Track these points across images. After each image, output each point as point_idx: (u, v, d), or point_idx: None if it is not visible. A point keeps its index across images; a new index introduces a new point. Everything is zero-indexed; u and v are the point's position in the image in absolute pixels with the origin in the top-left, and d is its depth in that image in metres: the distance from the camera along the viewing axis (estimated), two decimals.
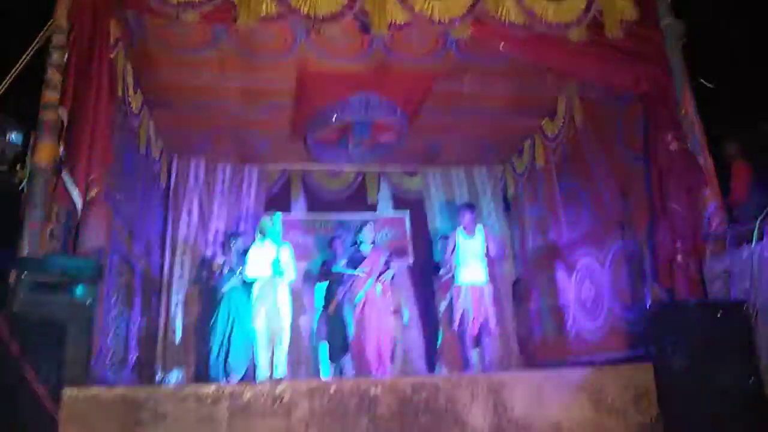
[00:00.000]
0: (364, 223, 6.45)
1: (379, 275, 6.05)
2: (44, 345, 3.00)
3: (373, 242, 6.33)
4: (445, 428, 3.39)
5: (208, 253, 7.16)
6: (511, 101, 6.48)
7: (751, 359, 3.50)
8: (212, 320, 6.17)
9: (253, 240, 5.97)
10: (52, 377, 2.96)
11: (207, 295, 6.91)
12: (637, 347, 4.81)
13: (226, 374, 5.85)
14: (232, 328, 6.00)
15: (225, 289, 6.14)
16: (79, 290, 3.41)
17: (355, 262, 6.15)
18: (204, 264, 7.11)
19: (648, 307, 4.59)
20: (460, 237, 5.83)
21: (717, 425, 3.38)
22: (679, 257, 4.38)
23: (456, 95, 6.29)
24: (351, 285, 6.13)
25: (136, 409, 3.17)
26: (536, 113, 6.88)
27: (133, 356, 5.73)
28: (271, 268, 5.56)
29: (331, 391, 3.39)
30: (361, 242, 6.24)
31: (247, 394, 3.30)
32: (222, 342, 5.98)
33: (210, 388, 3.30)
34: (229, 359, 5.90)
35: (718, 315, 3.58)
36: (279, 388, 3.35)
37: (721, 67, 5.40)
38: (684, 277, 4.32)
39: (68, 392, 3.08)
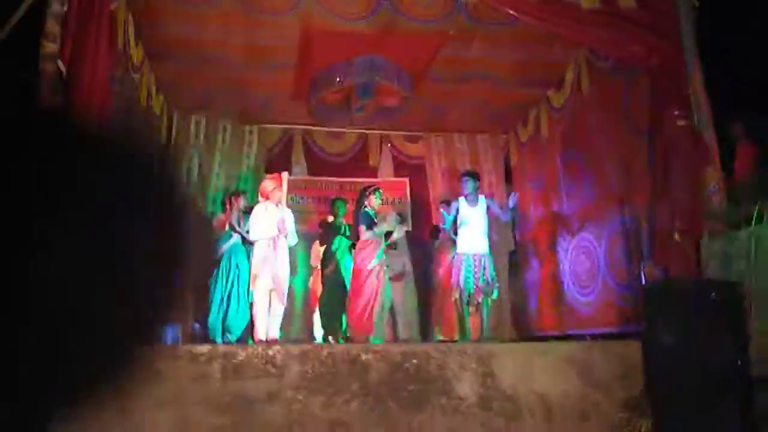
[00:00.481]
0: (371, 187, 6.12)
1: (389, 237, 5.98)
2: None
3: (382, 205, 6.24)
4: (434, 396, 3.45)
5: (208, 210, 7.16)
6: (519, 69, 6.38)
7: (741, 341, 3.52)
8: (211, 278, 6.17)
9: (254, 200, 5.95)
10: None
11: (205, 252, 6.94)
12: (629, 323, 4.85)
13: (224, 333, 5.91)
14: (231, 287, 6.02)
15: (225, 247, 6.13)
16: None
17: (371, 225, 5.85)
18: (203, 221, 7.12)
19: (642, 284, 4.61)
20: (462, 205, 5.78)
21: (701, 404, 3.43)
22: (676, 235, 4.38)
23: (462, 61, 6.20)
24: (363, 248, 5.97)
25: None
26: (543, 83, 6.77)
27: None
28: (274, 230, 5.56)
29: (323, 355, 3.43)
30: (368, 206, 5.96)
31: (241, 355, 3.35)
32: (222, 301, 6.00)
33: (204, 348, 3.36)
34: (228, 318, 5.95)
35: (712, 296, 3.58)
36: (272, 351, 3.39)
37: (732, 43, 5.28)
38: (680, 255, 4.33)
39: None
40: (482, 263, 5.66)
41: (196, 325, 6.82)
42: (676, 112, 4.57)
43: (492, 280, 5.67)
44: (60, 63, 3.96)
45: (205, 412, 3.19)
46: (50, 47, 3.95)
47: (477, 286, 5.60)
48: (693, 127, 4.53)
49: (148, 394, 3.16)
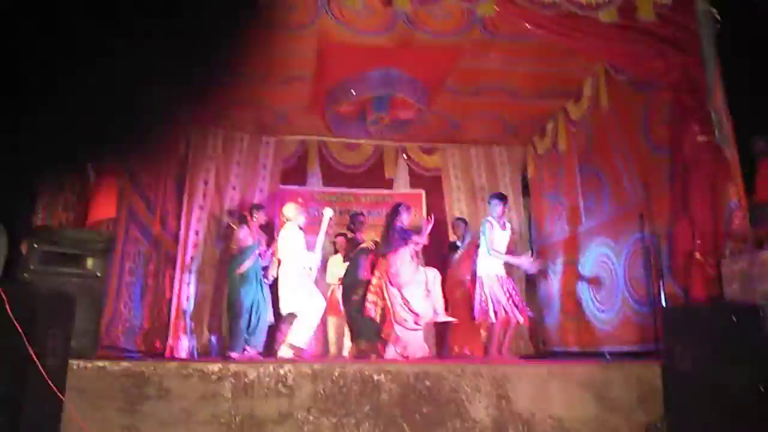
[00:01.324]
0: (401, 205, 6.02)
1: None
2: (53, 317, 3.03)
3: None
4: (447, 418, 3.39)
5: (225, 223, 7.19)
6: (536, 82, 6.33)
7: (763, 366, 3.41)
8: (238, 292, 6.11)
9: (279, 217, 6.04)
10: (59, 349, 3.00)
11: (224, 265, 6.96)
12: (648, 343, 4.75)
13: (245, 347, 5.93)
14: (253, 301, 6.02)
15: (249, 262, 6.10)
16: (90, 263, 3.43)
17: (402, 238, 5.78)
18: (222, 234, 7.16)
19: (662, 303, 4.50)
20: (490, 227, 5.65)
21: (723, 429, 3.33)
22: (697, 255, 4.28)
23: (479, 73, 6.16)
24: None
25: (141, 384, 3.21)
26: (561, 95, 6.70)
27: (146, 324, 5.83)
28: (301, 255, 5.65)
29: (335, 374, 3.40)
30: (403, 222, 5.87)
31: (252, 374, 3.32)
32: (251, 314, 5.99)
33: (215, 366, 3.33)
34: (251, 333, 5.97)
35: (733, 319, 3.49)
36: (283, 370, 3.36)
37: (755, 58, 5.16)
38: (701, 275, 4.22)
39: (74, 364, 3.12)
40: (505, 286, 5.55)
41: (213, 338, 6.84)
42: (696, 128, 4.48)
43: (520, 302, 5.59)
44: None
45: None
46: None
47: (497, 308, 5.48)
48: (714, 144, 4.43)
49: (156, 413, 3.15)
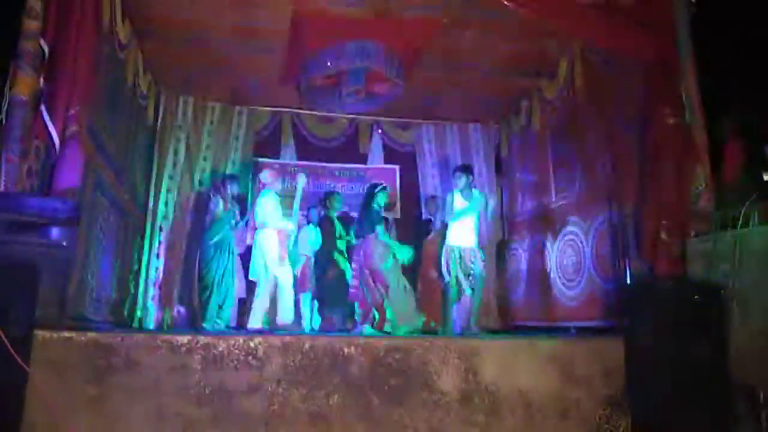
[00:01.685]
0: (379, 185, 6.18)
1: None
2: (16, 286, 2.97)
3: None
4: (415, 390, 3.44)
5: (194, 193, 7.09)
6: (512, 60, 6.32)
7: (722, 343, 3.54)
8: (208, 263, 6.07)
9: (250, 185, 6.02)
10: (23, 319, 2.94)
11: (194, 236, 6.90)
12: (613, 318, 4.87)
13: (218, 319, 5.91)
14: (224, 272, 5.99)
15: (222, 233, 6.05)
16: (55, 232, 3.35)
17: (378, 223, 5.94)
18: (193, 204, 7.06)
19: (628, 280, 4.61)
20: (457, 199, 5.80)
21: (682, 404, 3.45)
22: (663, 235, 4.37)
23: (455, 50, 6.12)
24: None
25: (108, 355, 3.18)
26: (536, 74, 6.71)
27: (114, 295, 5.75)
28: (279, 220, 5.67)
29: (306, 347, 3.41)
30: (379, 204, 6.03)
31: (221, 346, 3.31)
32: (219, 286, 5.96)
33: (184, 338, 3.31)
34: (224, 305, 5.97)
35: (695, 296, 3.60)
36: (253, 342, 3.36)
37: (728, 40, 5.24)
38: (666, 254, 4.32)
39: (39, 335, 3.07)
40: (471, 257, 5.69)
41: (181, 310, 6.79)
42: (666, 110, 4.54)
43: (478, 274, 5.70)
44: (42, 42, 3.84)
45: (183, 404, 3.16)
46: (31, 24, 3.83)
47: (464, 279, 5.65)
48: (683, 125, 4.50)
49: (124, 384, 3.13)
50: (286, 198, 6.34)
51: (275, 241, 5.68)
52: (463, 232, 5.75)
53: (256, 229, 5.93)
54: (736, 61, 5.29)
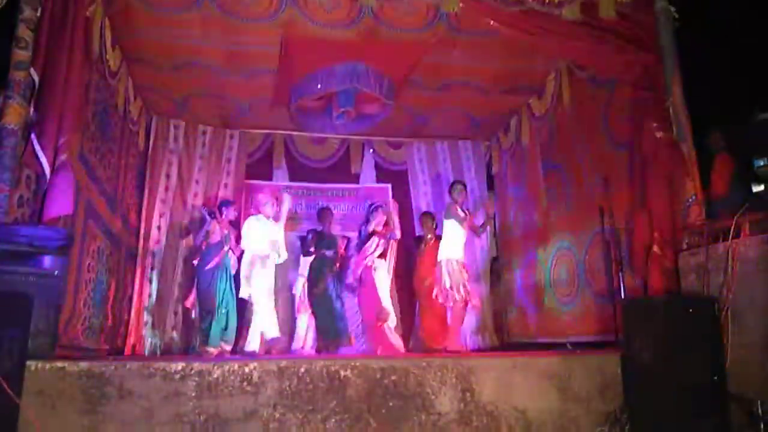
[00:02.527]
0: (374, 209, 6.56)
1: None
2: (9, 317, 2.93)
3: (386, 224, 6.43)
4: (412, 412, 3.41)
5: (187, 217, 7.08)
6: (500, 77, 6.39)
7: (718, 356, 3.54)
8: (206, 289, 6.12)
9: (244, 211, 6.10)
10: (16, 351, 2.91)
11: (188, 260, 6.89)
12: (609, 334, 4.86)
13: (220, 342, 5.92)
14: (224, 296, 6.05)
15: (215, 262, 6.12)
16: (47, 261, 3.33)
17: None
18: (186, 229, 7.06)
19: (622, 295, 4.61)
20: (460, 212, 5.91)
21: (680, 418, 3.44)
22: (655, 248, 4.39)
23: (444, 69, 6.19)
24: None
25: (101, 384, 3.13)
26: (524, 91, 6.78)
27: (107, 322, 5.70)
28: (269, 247, 5.73)
29: (301, 371, 3.38)
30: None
31: (216, 373, 3.28)
32: (219, 310, 6.01)
33: (178, 365, 3.27)
34: (223, 328, 5.99)
35: (689, 311, 3.60)
36: (248, 367, 3.33)
37: (713, 56, 5.32)
38: (659, 267, 4.34)
39: (32, 365, 3.03)
40: (459, 270, 5.74)
41: (175, 335, 6.75)
42: (654, 124, 4.59)
43: (465, 287, 5.74)
44: (32, 71, 3.85)
45: None
46: (21, 54, 3.84)
47: (452, 291, 5.70)
48: (671, 139, 4.54)
49: (117, 414, 3.09)
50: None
51: (248, 262, 5.88)
52: (453, 246, 5.82)
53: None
54: (722, 74, 5.36)
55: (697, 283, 3.97)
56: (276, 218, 6.11)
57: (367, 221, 6.45)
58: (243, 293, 6.00)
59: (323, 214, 6.86)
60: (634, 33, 4.83)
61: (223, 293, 6.07)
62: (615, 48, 4.86)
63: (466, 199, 6.11)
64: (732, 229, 3.77)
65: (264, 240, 5.99)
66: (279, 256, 6.08)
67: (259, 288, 5.90)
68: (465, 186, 6.35)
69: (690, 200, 4.36)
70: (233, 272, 6.30)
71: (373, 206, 6.50)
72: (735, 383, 3.49)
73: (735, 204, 3.97)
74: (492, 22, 4.92)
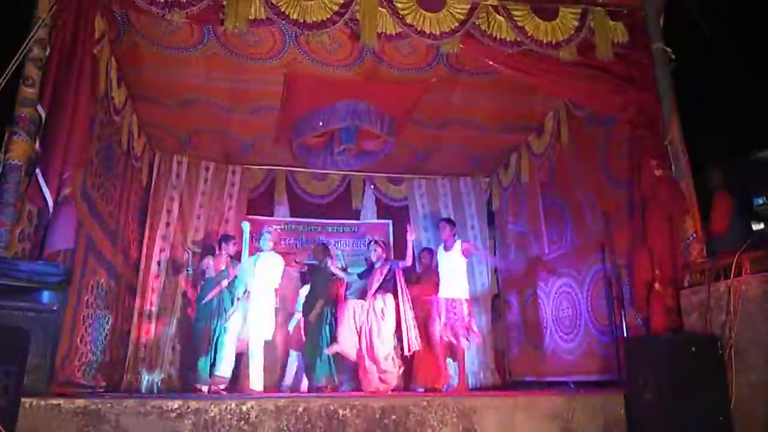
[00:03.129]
0: (371, 241, 6.67)
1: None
2: (6, 353, 2.90)
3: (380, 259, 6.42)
4: None
5: (188, 253, 7.07)
6: (499, 116, 6.48)
7: (722, 396, 3.49)
8: (199, 324, 6.10)
9: (241, 246, 6.07)
10: (11, 388, 2.87)
11: (186, 296, 6.87)
12: (611, 372, 4.81)
13: (212, 379, 5.83)
14: (220, 332, 5.99)
15: (214, 293, 6.11)
16: (46, 296, 3.32)
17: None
18: (186, 265, 7.04)
19: (624, 333, 4.58)
20: (440, 251, 5.83)
21: None
22: (656, 285, 4.36)
23: (445, 107, 6.27)
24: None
25: (97, 422, 3.09)
26: (524, 129, 6.87)
27: (104, 357, 5.64)
28: (266, 281, 5.70)
29: (299, 410, 3.33)
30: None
31: (213, 411, 3.24)
32: (210, 347, 5.95)
33: (175, 403, 3.23)
34: (218, 365, 5.90)
35: (693, 350, 3.57)
36: (246, 406, 3.28)
37: (710, 94, 5.40)
38: (660, 305, 4.31)
39: (27, 402, 2.99)
40: (457, 308, 5.64)
41: (172, 372, 6.68)
42: (653, 162, 4.62)
43: (465, 325, 5.66)
44: (39, 108, 3.91)
45: None
46: (28, 92, 3.91)
47: (452, 331, 5.60)
48: (670, 177, 4.57)
49: None
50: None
51: (260, 305, 5.88)
52: (449, 284, 5.74)
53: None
54: (720, 112, 5.43)
55: (700, 321, 3.94)
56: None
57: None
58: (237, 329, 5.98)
59: (318, 248, 6.86)
60: (630, 73, 4.91)
61: (215, 329, 6.01)
62: (612, 87, 4.93)
63: (451, 235, 6.05)
64: (733, 268, 3.77)
65: (263, 275, 5.97)
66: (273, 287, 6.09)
67: (255, 326, 5.82)
68: (446, 222, 6.28)
69: (690, 238, 4.36)
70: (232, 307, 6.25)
71: (371, 242, 6.52)
72: (740, 424, 3.44)
73: (735, 241, 3.97)
74: (491, 63, 5.01)
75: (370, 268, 6.41)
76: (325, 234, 7.85)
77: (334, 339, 6.17)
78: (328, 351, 6.07)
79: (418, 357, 6.43)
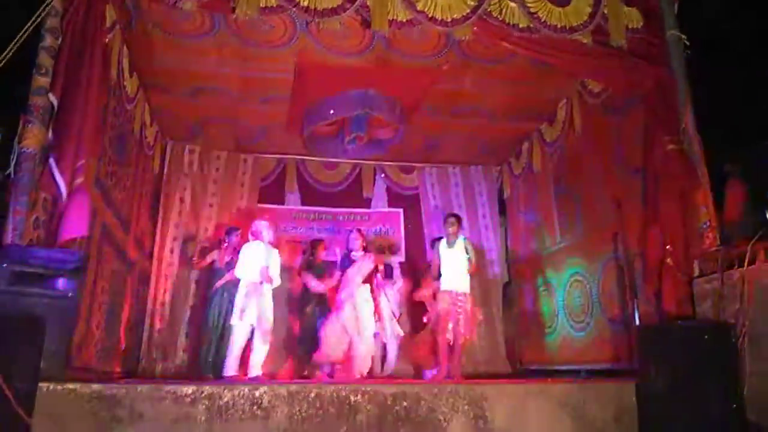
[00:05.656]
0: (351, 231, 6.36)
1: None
2: (22, 338, 2.95)
3: (364, 248, 6.20)
4: None
5: (200, 242, 7.12)
6: (511, 104, 6.43)
7: (735, 384, 3.47)
8: (205, 314, 6.15)
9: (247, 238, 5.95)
10: (29, 372, 2.92)
11: (200, 285, 6.91)
12: (623, 361, 4.80)
13: (215, 370, 5.82)
14: (223, 324, 5.96)
15: (219, 284, 6.10)
16: (61, 283, 3.36)
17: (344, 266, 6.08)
18: (196, 254, 7.08)
19: (636, 321, 4.55)
20: (443, 245, 5.75)
21: None
22: (668, 260, 4.34)
23: (456, 95, 6.24)
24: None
25: (112, 407, 3.13)
26: (536, 117, 6.82)
27: (119, 345, 5.71)
28: (259, 274, 5.51)
29: (311, 396, 3.35)
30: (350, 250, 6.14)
31: (226, 396, 3.27)
32: (212, 338, 5.95)
33: (189, 389, 3.27)
34: (220, 355, 5.89)
35: (705, 337, 3.55)
36: (258, 392, 3.31)
37: (725, 82, 5.33)
38: (674, 294, 4.28)
39: (44, 387, 3.04)
40: (460, 301, 5.57)
41: (185, 358, 6.74)
42: (666, 137, 4.57)
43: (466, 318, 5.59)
44: (51, 96, 3.94)
45: None
46: (41, 81, 3.94)
47: (455, 324, 5.54)
48: (682, 151, 4.51)
49: None
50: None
51: (242, 293, 5.48)
52: (452, 278, 5.65)
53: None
54: (735, 101, 5.36)
55: (713, 309, 3.92)
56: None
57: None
58: (233, 324, 5.56)
59: (314, 244, 6.80)
60: (646, 50, 4.84)
61: (217, 319, 6.00)
62: (629, 65, 4.85)
63: (455, 232, 5.88)
64: (747, 256, 3.74)
65: (256, 268, 5.65)
66: (271, 283, 5.72)
67: (243, 323, 5.52)
68: (451, 217, 5.92)
69: (704, 226, 4.33)
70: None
71: (352, 230, 6.38)
72: (752, 412, 3.42)
73: (748, 230, 3.94)
74: (504, 44, 4.93)
75: (349, 259, 6.22)
76: (336, 223, 7.86)
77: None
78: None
79: (427, 344, 6.41)
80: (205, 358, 5.91)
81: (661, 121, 4.67)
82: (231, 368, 5.38)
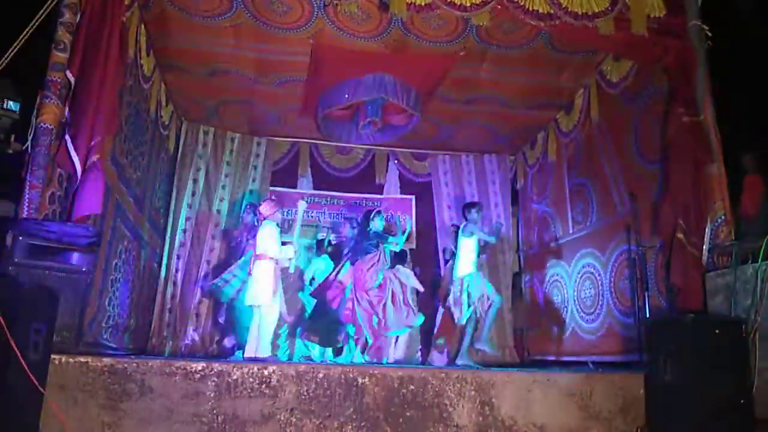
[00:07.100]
0: (374, 212, 6.37)
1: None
2: (36, 311, 2.99)
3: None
4: (430, 423, 3.39)
5: (213, 221, 7.16)
6: (528, 92, 6.38)
7: (745, 379, 3.45)
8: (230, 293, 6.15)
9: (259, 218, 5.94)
10: (42, 344, 2.96)
11: (214, 263, 6.98)
12: (632, 353, 4.77)
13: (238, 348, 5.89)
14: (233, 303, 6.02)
15: (241, 263, 6.06)
16: (76, 258, 3.40)
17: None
18: (214, 233, 7.13)
19: (647, 314, 4.53)
20: (460, 232, 5.83)
21: None
22: (680, 234, 4.31)
23: (472, 82, 6.19)
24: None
25: (123, 380, 3.18)
26: (552, 106, 6.76)
27: (130, 321, 5.78)
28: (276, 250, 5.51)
29: (319, 376, 3.38)
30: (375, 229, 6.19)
31: (236, 374, 3.30)
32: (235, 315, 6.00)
33: (199, 365, 3.31)
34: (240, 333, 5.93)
35: (716, 332, 3.52)
36: (267, 371, 3.35)
37: (745, 76, 5.24)
38: (686, 288, 4.25)
39: (57, 359, 3.09)
40: (465, 285, 5.63)
41: (196, 337, 6.81)
42: (682, 110, 4.52)
43: (472, 299, 5.63)
44: (68, 73, 3.96)
45: None
46: (59, 56, 3.95)
47: (459, 307, 5.62)
48: (697, 123, 4.46)
49: (137, 411, 3.13)
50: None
51: (270, 273, 5.31)
52: (462, 264, 5.72)
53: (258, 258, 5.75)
54: (755, 96, 5.27)
55: (724, 304, 3.89)
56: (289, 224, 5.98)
57: (366, 226, 6.33)
58: (263, 305, 5.37)
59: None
60: (669, 26, 4.76)
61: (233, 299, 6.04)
62: (652, 39, 4.76)
63: (473, 220, 5.94)
64: (761, 252, 3.70)
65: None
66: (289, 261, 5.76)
67: (275, 303, 5.45)
68: (471, 206, 6.05)
69: (719, 220, 4.28)
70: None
71: (347, 218, 6.53)
72: (761, 407, 3.40)
73: (764, 225, 3.89)
74: (529, 20, 4.80)
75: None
76: (348, 208, 7.87)
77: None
78: None
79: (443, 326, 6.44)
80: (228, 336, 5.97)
81: (678, 93, 4.61)
82: (267, 350, 5.32)
